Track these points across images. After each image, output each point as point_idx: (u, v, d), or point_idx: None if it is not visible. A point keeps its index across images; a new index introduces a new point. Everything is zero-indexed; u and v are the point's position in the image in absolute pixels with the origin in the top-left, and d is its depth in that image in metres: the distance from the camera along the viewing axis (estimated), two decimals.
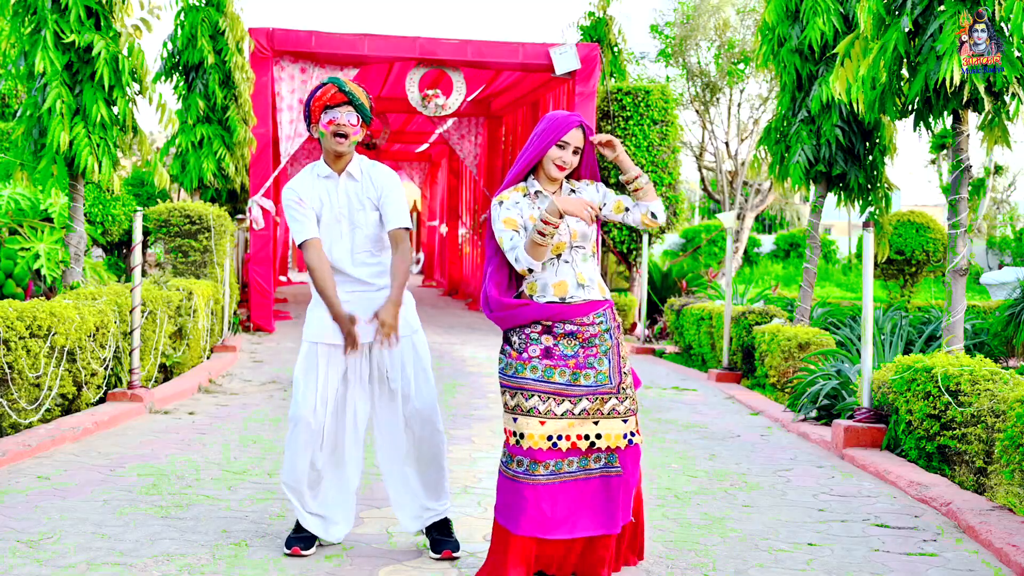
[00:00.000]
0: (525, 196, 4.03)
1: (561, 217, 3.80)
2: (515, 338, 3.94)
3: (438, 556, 4.29)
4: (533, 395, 3.88)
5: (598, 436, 3.91)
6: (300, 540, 4.31)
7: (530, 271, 3.90)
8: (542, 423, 3.87)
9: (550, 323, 3.93)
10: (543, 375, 3.89)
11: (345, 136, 4.21)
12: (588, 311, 3.95)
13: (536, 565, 3.99)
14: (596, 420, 3.92)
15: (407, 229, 4.35)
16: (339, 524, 4.43)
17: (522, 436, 3.88)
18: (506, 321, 3.96)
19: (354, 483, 4.44)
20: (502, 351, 4.00)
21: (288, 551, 4.26)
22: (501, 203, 4.00)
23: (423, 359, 4.37)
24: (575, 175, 4.16)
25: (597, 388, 3.92)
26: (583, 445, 3.90)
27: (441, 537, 4.34)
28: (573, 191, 4.11)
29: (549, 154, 3.97)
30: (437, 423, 4.37)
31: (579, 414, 3.90)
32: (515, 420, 3.90)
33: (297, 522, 4.38)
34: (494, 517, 3.97)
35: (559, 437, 3.87)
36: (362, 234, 4.29)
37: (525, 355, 3.91)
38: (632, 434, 3.98)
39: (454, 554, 4.27)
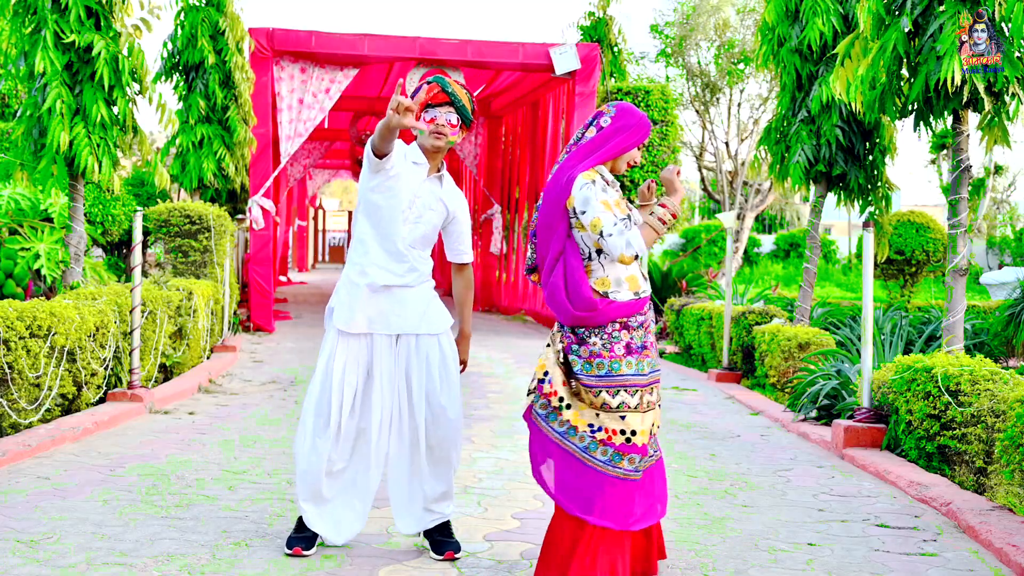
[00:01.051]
0: (597, 182, 3.90)
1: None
2: (595, 338, 3.86)
3: (440, 557, 4.27)
4: (636, 391, 3.83)
5: (652, 425, 3.96)
6: (302, 540, 4.29)
7: (636, 258, 3.83)
8: (642, 419, 3.84)
9: (627, 319, 3.89)
10: (637, 369, 3.84)
11: (443, 135, 4.26)
12: (647, 301, 3.98)
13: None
14: (651, 409, 3.93)
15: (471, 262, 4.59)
16: (350, 525, 4.40)
17: (634, 433, 3.81)
18: (587, 321, 3.86)
19: (375, 484, 4.39)
20: (577, 353, 3.88)
21: (289, 551, 4.26)
22: (594, 182, 3.85)
23: (448, 359, 4.34)
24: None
25: (655, 374, 3.94)
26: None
27: (443, 538, 4.33)
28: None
29: (630, 152, 3.96)
30: (459, 424, 4.35)
31: (657, 404, 3.93)
32: (623, 418, 3.81)
33: (299, 521, 4.36)
34: (583, 520, 3.83)
35: (648, 429, 3.88)
36: (421, 230, 4.32)
37: (614, 352, 3.85)
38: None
39: (456, 555, 4.26)
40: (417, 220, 4.30)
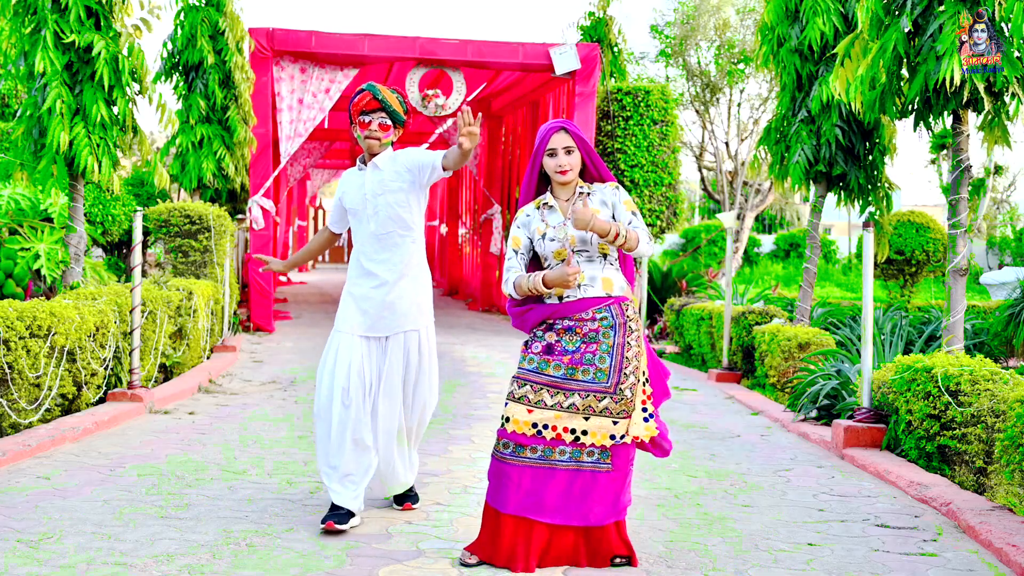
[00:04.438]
0: (537, 209, 4.33)
1: (550, 288, 4.14)
2: (528, 337, 4.30)
3: (399, 507, 4.96)
4: (525, 384, 4.18)
5: (584, 432, 4.15)
6: (333, 515, 4.65)
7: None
8: (529, 411, 4.15)
9: (552, 320, 4.22)
10: (537, 367, 4.18)
11: (376, 139, 4.79)
12: (587, 306, 4.19)
13: (545, 559, 4.16)
14: (587, 416, 4.15)
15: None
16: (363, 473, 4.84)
17: (507, 420, 4.18)
18: (521, 325, 4.31)
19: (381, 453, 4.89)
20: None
21: (323, 525, 4.58)
22: (516, 218, 4.37)
23: (432, 350, 4.88)
24: (588, 177, 4.37)
25: (593, 385, 4.15)
26: (568, 437, 4.15)
27: (403, 493, 5.00)
28: (589, 194, 4.30)
29: (545, 164, 4.30)
30: (433, 407, 4.92)
31: (568, 407, 4.14)
32: (507, 405, 4.21)
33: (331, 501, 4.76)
34: (485, 501, 4.24)
35: (544, 426, 4.15)
36: (384, 215, 4.78)
37: (527, 350, 4.24)
38: (622, 436, 4.16)
39: (413, 507, 4.95)
40: (375, 212, 4.77)
